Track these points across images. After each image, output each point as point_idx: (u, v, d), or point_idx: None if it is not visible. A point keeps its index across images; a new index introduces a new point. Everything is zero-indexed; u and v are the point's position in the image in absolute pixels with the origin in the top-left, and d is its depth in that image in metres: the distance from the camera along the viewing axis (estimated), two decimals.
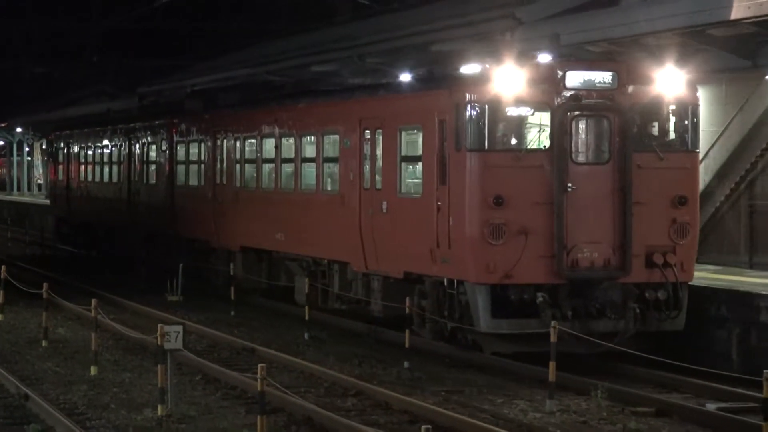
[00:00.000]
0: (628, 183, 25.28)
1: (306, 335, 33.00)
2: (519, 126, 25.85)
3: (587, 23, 36.62)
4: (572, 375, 25.30)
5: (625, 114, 25.39)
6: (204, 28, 74.66)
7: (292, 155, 34.76)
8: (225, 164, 39.48)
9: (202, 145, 41.59)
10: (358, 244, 29.85)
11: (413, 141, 28.26)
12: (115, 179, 51.91)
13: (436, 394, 25.23)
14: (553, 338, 23.36)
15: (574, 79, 25.32)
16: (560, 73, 25.27)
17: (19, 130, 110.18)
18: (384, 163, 29.07)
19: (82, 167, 57.55)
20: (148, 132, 47.71)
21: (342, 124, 31.60)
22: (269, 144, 36.56)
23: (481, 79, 25.75)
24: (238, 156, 38.60)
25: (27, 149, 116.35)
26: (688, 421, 22.50)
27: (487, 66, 27.36)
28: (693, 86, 26.49)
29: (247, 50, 70.73)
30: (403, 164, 28.40)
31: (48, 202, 69.95)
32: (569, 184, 25.08)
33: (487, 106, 24.86)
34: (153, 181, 47.00)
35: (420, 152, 27.53)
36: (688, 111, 26.10)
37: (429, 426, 15.84)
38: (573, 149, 25.50)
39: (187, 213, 43.25)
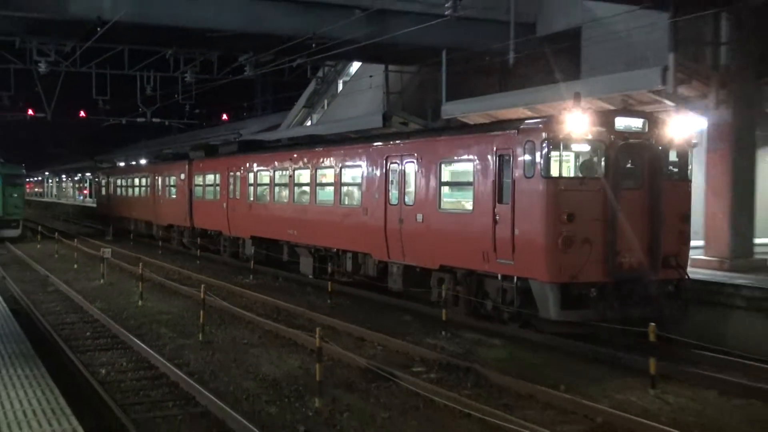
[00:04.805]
0: (660, 203, 17.70)
1: (159, 252, 33.94)
2: (582, 158, 17.76)
3: (270, 136, 37.52)
4: (318, 295, 22.97)
5: (653, 151, 17.67)
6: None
7: (308, 181, 25.47)
8: (238, 186, 30.25)
9: (217, 174, 32.45)
10: (382, 242, 21.47)
11: (457, 170, 19.90)
12: (143, 194, 42.87)
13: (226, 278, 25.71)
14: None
15: (621, 123, 17.56)
16: (611, 118, 17.51)
17: None
18: (419, 186, 20.40)
19: (119, 189, 48.61)
20: (171, 168, 38.52)
21: (366, 159, 22.56)
22: (282, 173, 27.16)
23: (554, 122, 17.41)
24: (251, 181, 29.29)
25: None
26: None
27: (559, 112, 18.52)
28: (690, 130, 18.55)
29: (136, 144, 73.98)
30: (442, 188, 19.95)
31: (95, 206, 59.72)
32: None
33: (561, 143, 17.08)
34: (174, 196, 37.60)
35: (468, 179, 18.98)
36: (688, 150, 18.32)
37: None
38: (619, 177, 17.58)
39: (203, 215, 34.11)
